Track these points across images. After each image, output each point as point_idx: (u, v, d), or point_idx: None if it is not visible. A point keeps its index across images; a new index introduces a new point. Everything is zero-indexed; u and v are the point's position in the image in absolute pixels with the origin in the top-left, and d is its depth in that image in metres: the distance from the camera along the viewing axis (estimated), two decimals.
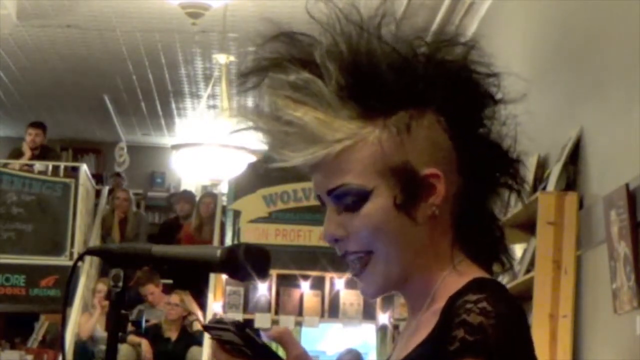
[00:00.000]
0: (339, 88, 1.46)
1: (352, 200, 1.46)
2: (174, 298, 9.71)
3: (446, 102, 1.48)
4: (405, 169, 1.45)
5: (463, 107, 1.49)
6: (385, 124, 1.46)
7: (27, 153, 11.54)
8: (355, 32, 1.48)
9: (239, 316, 8.92)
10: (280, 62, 1.48)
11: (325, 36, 1.49)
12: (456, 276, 1.46)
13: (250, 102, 1.55)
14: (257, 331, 1.40)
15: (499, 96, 1.52)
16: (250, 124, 1.50)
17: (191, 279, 10.19)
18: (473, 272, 1.46)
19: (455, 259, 1.48)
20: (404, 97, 1.47)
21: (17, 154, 11.78)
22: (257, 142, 1.51)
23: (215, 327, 1.40)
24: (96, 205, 12.22)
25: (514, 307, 1.40)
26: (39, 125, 11.75)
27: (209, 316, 9.51)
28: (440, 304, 1.43)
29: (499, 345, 1.35)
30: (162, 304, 9.82)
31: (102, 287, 9.85)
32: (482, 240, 1.50)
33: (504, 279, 5.49)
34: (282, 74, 1.48)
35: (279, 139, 1.47)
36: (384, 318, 8.89)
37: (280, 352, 1.43)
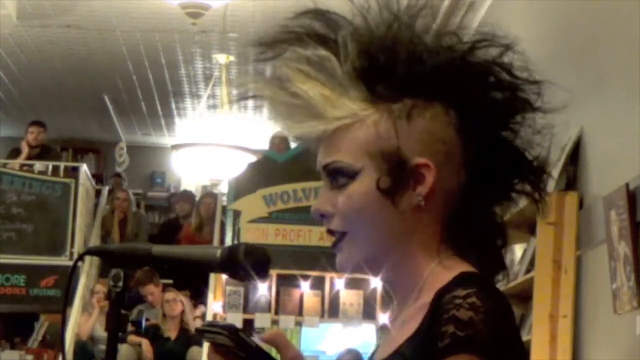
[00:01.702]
0: (352, 69, 1.48)
1: (341, 178, 1.48)
2: (169, 295, 9.72)
3: (460, 98, 1.47)
4: (396, 155, 1.46)
5: (482, 106, 1.48)
6: (387, 109, 1.47)
7: (25, 150, 11.52)
8: (388, 20, 1.50)
9: (239, 316, 8.92)
10: (301, 36, 1.51)
11: (357, 18, 1.51)
12: (443, 270, 1.46)
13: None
14: (251, 334, 1.41)
15: (537, 104, 1.51)
16: (258, 91, 1.53)
17: (191, 279, 10.19)
18: (460, 267, 1.46)
19: (444, 252, 1.48)
20: (411, 85, 1.48)
21: (15, 154, 11.78)
22: (261, 110, 1.53)
23: (209, 330, 1.40)
24: (96, 205, 12.23)
25: (502, 302, 1.40)
26: (40, 123, 11.74)
27: (209, 315, 9.51)
28: (426, 298, 1.43)
29: (490, 340, 1.35)
30: (162, 303, 9.82)
31: (100, 288, 9.85)
32: (478, 244, 1.49)
33: (504, 279, 5.49)
34: (301, 48, 1.50)
35: (283, 108, 1.50)
36: (384, 318, 8.88)
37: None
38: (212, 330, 1.40)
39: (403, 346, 1.43)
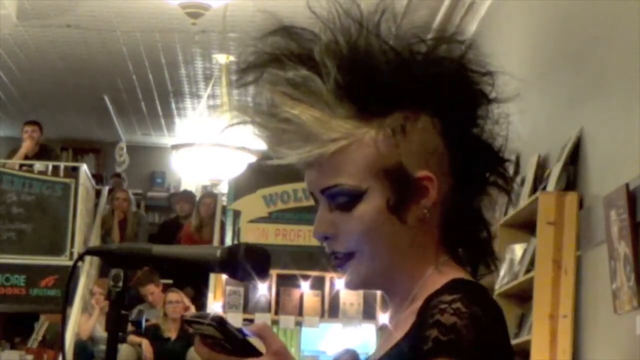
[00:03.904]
0: (336, 86, 1.46)
1: (345, 200, 1.47)
2: (173, 296, 9.71)
3: (441, 103, 1.48)
4: (399, 171, 1.46)
5: (457, 107, 1.49)
6: (380, 124, 1.46)
7: (23, 150, 11.50)
8: (354, 29, 1.48)
9: (239, 316, 8.93)
10: (278, 58, 1.48)
11: (324, 32, 1.48)
12: (437, 276, 1.46)
13: (248, 98, 1.56)
14: (240, 329, 1.41)
15: (492, 95, 1.51)
16: (247, 119, 1.50)
17: (191, 279, 10.19)
18: (454, 273, 1.47)
19: (439, 259, 1.49)
20: (399, 98, 1.47)
21: (14, 154, 11.77)
22: (253, 137, 1.51)
23: (197, 321, 1.40)
24: (96, 205, 12.22)
25: (489, 309, 1.40)
26: (34, 122, 11.73)
27: None
28: (419, 303, 1.43)
29: (472, 346, 1.35)
30: (162, 304, 9.82)
31: (98, 289, 9.84)
32: (468, 241, 1.51)
33: (504, 279, 5.50)
34: (280, 70, 1.48)
35: (275, 135, 1.47)
36: (384, 318, 8.87)
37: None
38: (200, 322, 1.40)
39: (392, 350, 1.44)
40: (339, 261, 1.50)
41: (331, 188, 1.47)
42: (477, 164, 1.51)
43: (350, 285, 1.51)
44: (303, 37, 1.49)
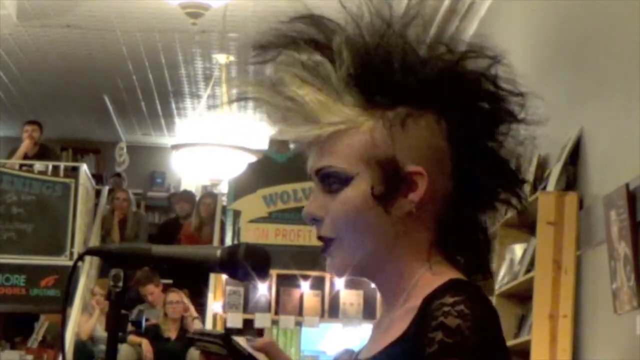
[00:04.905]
0: (347, 75, 1.49)
1: (334, 183, 1.49)
2: (173, 296, 9.71)
3: (451, 108, 1.49)
4: (390, 162, 1.47)
5: (471, 116, 1.50)
6: (382, 116, 1.49)
7: (22, 149, 11.50)
8: (382, 29, 1.51)
9: (239, 316, 8.93)
10: (296, 41, 1.52)
11: (351, 26, 1.52)
12: (431, 276, 1.47)
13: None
14: (248, 337, 1.41)
15: (520, 116, 1.53)
16: (254, 93, 1.54)
17: (191, 279, 10.18)
18: (449, 273, 1.48)
19: (433, 257, 1.50)
20: (406, 94, 1.49)
21: (14, 154, 11.77)
22: (255, 110, 1.55)
23: (201, 338, 1.40)
24: (96, 205, 12.23)
25: (489, 310, 1.42)
26: (34, 122, 11.73)
27: (209, 316, 9.50)
28: (414, 302, 1.44)
29: (477, 348, 1.37)
30: (162, 304, 9.82)
31: (98, 290, 9.85)
32: (465, 247, 1.52)
33: (504, 279, 5.49)
34: (296, 52, 1.51)
35: (277, 111, 1.51)
36: None
37: None
38: (205, 339, 1.39)
39: (389, 347, 1.44)
40: (324, 245, 1.51)
41: (322, 169, 1.50)
42: (487, 175, 1.51)
43: (331, 269, 1.53)
44: (326, 26, 1.52)
